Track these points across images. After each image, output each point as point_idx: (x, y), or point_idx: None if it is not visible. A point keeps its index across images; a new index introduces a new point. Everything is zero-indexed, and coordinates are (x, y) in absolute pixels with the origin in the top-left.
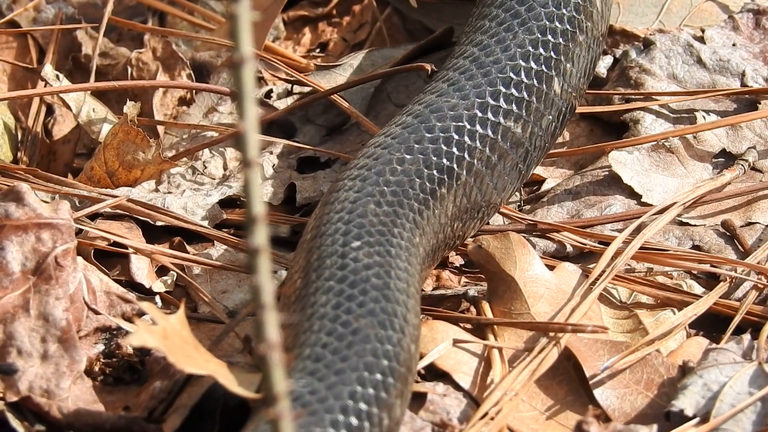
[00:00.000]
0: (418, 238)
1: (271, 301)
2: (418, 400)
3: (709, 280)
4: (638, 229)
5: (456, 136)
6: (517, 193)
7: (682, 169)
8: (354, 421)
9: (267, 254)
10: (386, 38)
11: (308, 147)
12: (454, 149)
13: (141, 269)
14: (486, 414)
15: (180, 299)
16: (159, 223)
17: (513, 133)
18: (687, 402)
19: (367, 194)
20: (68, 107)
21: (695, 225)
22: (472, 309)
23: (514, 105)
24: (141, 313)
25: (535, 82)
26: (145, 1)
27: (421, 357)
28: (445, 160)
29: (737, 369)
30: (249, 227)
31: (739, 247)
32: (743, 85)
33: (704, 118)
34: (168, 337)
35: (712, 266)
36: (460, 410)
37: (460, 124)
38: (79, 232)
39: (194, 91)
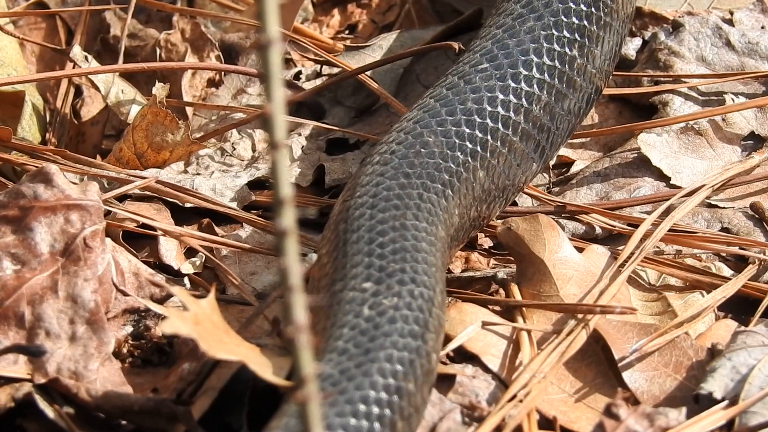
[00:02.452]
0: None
1: (299, 283)
2: (447, 381)
3: (738, 263)
4: (667, 212)
5: (478, 119)
6: (545, 175)
7: (710, 152)
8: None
9: (294, 236)
10: (415, 20)
11: (337, 128)
12: (477, 132)
13: (169, 251)
14: (514, 396)
15: (209, 281)
16: (187, 205)
17: (537, 114)
18: (716, 385)
19: (393, 170)
20: (97, 88)
21: (724, 207)
22: (501, 291)
23: (536, 87)
24: (170, 295)
25: (558, 63)
26: None
27: (450, 339)
28: (468, 143)
29: (766, 352)
30: (276, 209)
31: None
32: None
33: (733, 100)
34: (199, 322)
35: (741, 248)
36: (489, 392)
37: (483, 106)
38: (107, 213)
39: (223, 73)
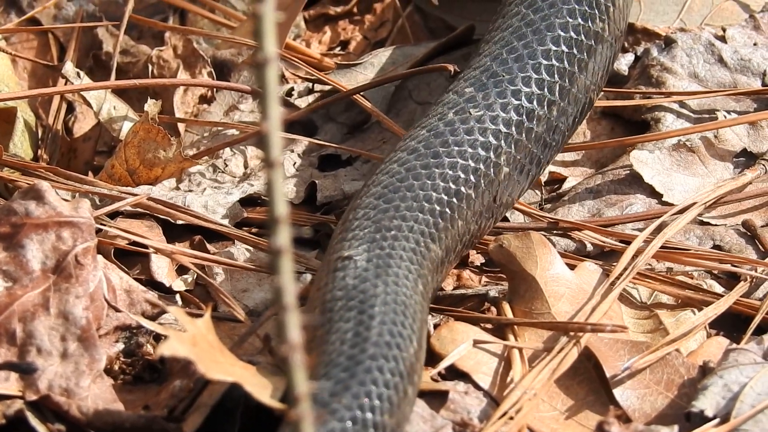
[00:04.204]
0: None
1: (294, 302)
2: (439, 398)
3: (730, 280)
4: (659, 229)
5: (481, 138)
6: (537, 192)
7: (703, 169)
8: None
9: (289, 255)
10: (408, 36)
11: (330, 144)
12: (474, 156)
13: (161, 268)
14: (506, 413)
15: (200, 298)
16: (179, 222)
17: (534, 129)
18: (707, 403)
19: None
20: (89, 105)
21: (716, 224)
22: (493, 309)
23: (535, 102)
24: (162, 312)
25: (557, 78)
26: None
27: (442, 358)
28: (462, 171)
29: (758, 369)
30: (272, 228)
31: (760, 247)
32: (764, 84)
33: (725, 117)
34: (197, 343)
35: (733, 266)
36: (481, 409)
37: (483, 127)
38: (99, 230)
39: (215, 89)
